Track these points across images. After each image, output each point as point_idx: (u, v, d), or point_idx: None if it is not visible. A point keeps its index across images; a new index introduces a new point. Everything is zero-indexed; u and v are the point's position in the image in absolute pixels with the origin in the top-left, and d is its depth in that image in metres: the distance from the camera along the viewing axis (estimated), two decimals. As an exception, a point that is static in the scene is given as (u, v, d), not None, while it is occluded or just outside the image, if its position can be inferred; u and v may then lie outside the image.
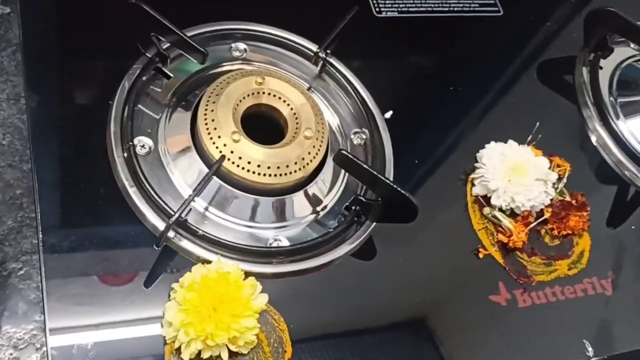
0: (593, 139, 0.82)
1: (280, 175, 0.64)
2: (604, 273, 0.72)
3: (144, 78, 0.68)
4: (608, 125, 0.81)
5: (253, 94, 0.67)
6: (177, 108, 0.68)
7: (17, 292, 0.56)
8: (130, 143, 0.63)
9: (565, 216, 0.72)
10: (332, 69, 0.76)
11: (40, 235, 0.58)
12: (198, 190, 0.61)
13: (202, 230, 0.61)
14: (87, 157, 0.63)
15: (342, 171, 0.69)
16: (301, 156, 0.65)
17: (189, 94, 0.69)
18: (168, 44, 0.68)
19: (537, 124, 0.76)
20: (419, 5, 0.86)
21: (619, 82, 0.85)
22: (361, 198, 0.66)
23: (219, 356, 0.56)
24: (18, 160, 0.62)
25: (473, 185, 0.73)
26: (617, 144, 0.80)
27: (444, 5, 0.87)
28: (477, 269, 0.69)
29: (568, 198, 0.74)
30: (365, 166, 0.65)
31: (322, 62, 0.75)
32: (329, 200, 0.68)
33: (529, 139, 0.75)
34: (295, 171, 0.65)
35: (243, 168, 0.63)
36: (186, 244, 0.61)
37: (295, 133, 0.66)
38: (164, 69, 0.69)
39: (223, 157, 0.63)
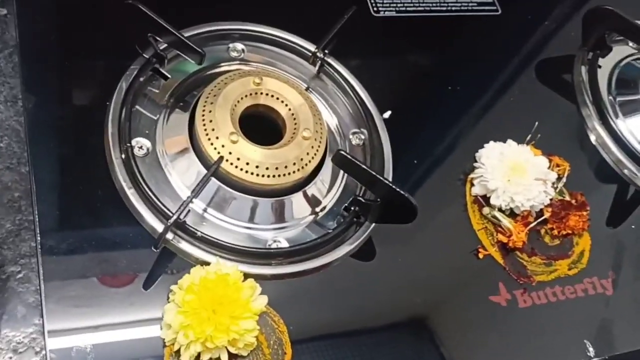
0: (592, 138, 0.82)
1: (279, 176, 0.64)
2: (605, 273, 0.72)
3: (141, 79, 0.67)
4: (607, 124, 0.81)
5: (251, 94, 0.67)
6: (174, 109, 0.68)
7: (16, 296, 0.56)
8: (128, 144, 0.63)
9: (565, 216, 0.72)
10: (330, 69, 0.76)
11: (39, 238, 0.58)
12: (196, 192, 0.60)
13: (201, 232, 0.61)
14: (84, 158, 0.63)
15: (341, 172, 0.69)
16: (300, 157, 0.65)
17: (186, 94, 0.69)
18: (165, 45, 0.68)
19: (536, 123, 0.76)
20: (417, 4, 0.86)
21: (618, 81, 0.85)
22: (360, 199, 0.66)
23: (218, 358, 0.55)
24: (16, 162, 0.62)
25: (472, 185, 0.72)
26: (616, 143, 0.80)
27: (441, 4, 0.87)
28: (477, 269, 0.69)
29: (568, 198, 0.74)
30: (364, 166, 0.65)
31: (320, 62, 0.75)
32: (328, 201, 0.68)
33: (528, 138, 0.75)
34: (293, 172, 0.64)
35: (241, 169, 0.63)
36: (185, 246, 0.60)
37: (294, 133, 0.66)
38: (161, 69, 0.69)
39: (221, 158, 0.63)
